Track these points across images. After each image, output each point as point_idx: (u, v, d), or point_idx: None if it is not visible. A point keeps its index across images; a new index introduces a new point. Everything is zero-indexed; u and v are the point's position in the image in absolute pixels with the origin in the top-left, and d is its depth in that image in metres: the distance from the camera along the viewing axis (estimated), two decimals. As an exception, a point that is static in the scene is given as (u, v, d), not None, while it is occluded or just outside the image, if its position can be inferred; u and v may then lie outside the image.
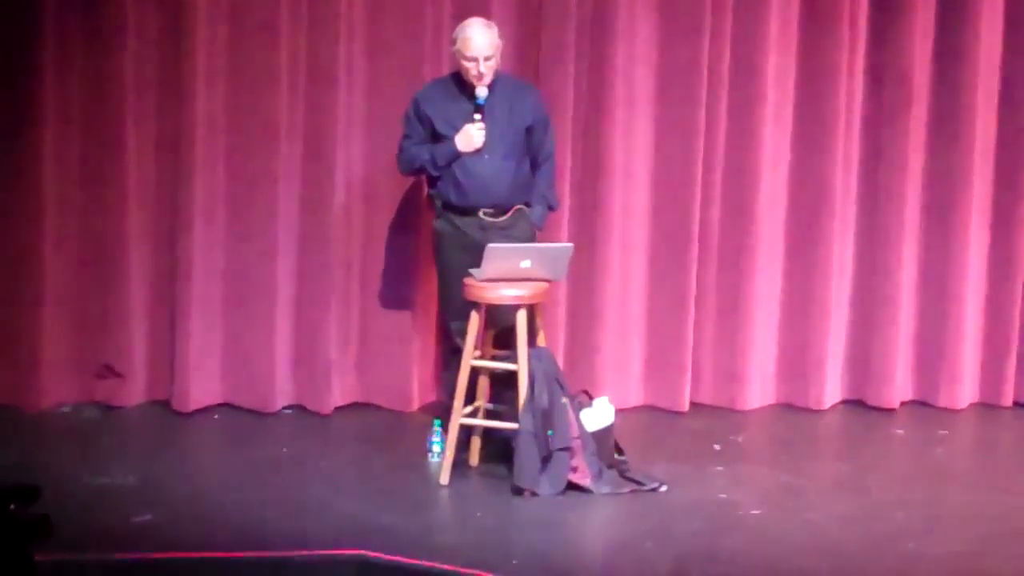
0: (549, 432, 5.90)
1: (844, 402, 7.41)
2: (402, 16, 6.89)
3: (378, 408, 7.09)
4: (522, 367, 5.97)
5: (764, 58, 7.09)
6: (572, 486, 5.96)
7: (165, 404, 6.96)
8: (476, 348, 6.14)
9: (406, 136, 6.38)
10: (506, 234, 6.26)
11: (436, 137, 6.31)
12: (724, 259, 7.22)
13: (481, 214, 6.30)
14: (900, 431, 7.08)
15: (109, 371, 6.92)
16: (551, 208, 6.49)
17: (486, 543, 5.44)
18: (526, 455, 5.91)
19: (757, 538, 5.55)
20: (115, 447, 6.43)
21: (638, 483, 6.02)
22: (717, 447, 6.68)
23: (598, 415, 6.11)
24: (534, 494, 5.91)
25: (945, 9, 7.18)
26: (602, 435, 6.09)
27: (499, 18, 6.76)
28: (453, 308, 6.33)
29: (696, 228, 7.12)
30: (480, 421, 6.24)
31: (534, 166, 6.41)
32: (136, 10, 6.75)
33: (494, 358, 6.21)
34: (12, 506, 4.04)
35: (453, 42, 6.30)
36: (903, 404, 7.37)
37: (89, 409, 6.91)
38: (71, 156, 6.81)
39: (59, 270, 6.83)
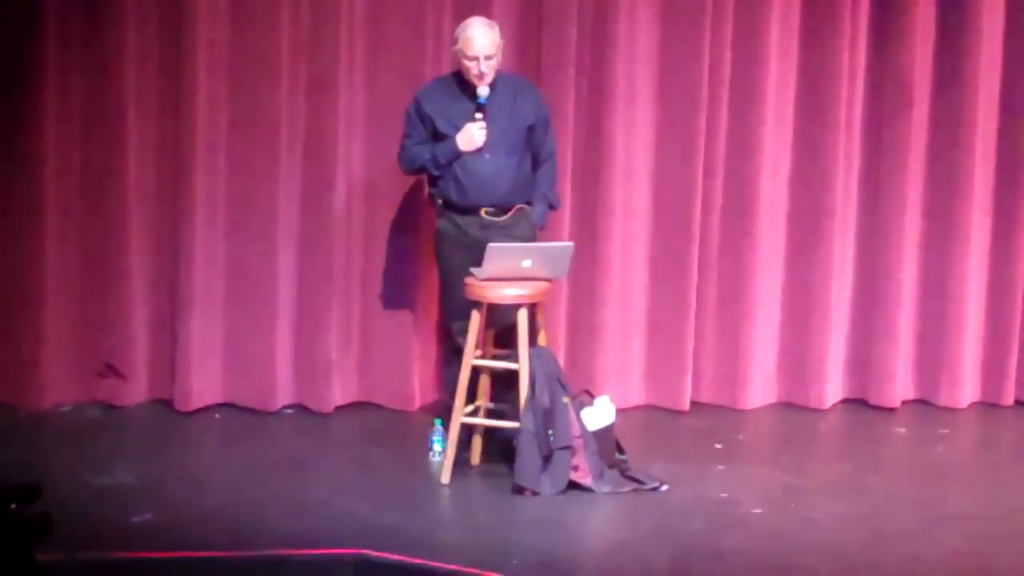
0: (550, 431, 5.90)
1: (845, 401, 7.41)
2: (403, 15, 6.89)
3: (379, 407, 7.09)
4: (523, 366, 5.97)
5: (765, 58, 7.09)
6: (573, 485, 5.96)
7: (166, 403, 6.96)
8: (477, 347, 6.14)
9: (407, 135, 6.38)
10: (507, 233, 6.26)
11: (437, 136, 6.31)
12: (725, 258, 7.22)
13: (482, 213, 6.30)
14: (901, 430, 7.08)
15: (110, 370, 6.92)
16: (552, 207, 6.49)
17: (486, 542, 5.43)
18: (527, 454, 5.90)
19: (758, 537, 5.55)
20: (115, 447, 6.43)
21: (639, 482, 6.02)
22: (718, 446, 6.68)
23: (599, 414, 6.11)
24: (535, 493, 5.91)
25: (945, 10, 7.18)
26: (603, 434, 6.08)
27: (500, 18, 6.76)
28: (454, 307, 6.33)
29: (697, 227, 7.12)
30: (481, 420, 6.24)
31: (535, 165, 6.41)
32: (136, 10, 6.75)
33: (495, 357, 6.21)
34: (13, 505, 4.05)
35: (454, 41, 6.30)
36: (904, 403, 7.37)
37: (90, 409, 6.91)
38: (71, 156, 6.81)
39: (59, 270, 6.83)
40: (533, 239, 6.36)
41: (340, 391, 7.05)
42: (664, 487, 6.01)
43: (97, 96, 6.77)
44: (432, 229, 6.49)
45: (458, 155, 6.27)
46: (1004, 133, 7.28)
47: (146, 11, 6.77)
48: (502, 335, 6.22)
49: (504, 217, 6.32)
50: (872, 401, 7.33)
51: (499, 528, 5.61)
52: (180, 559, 5.17)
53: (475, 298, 6.06)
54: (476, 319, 6.06)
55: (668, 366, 7.20)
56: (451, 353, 6.43)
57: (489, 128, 6.25)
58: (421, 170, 6.43)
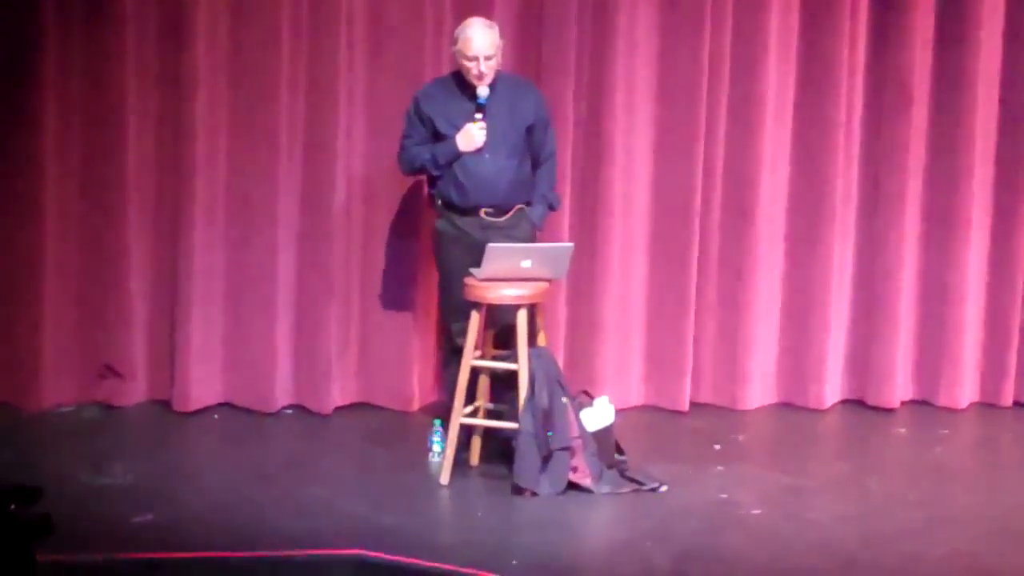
0: (549, 432, 5.90)
1: (844, 402, 7.41)
2: (403, 16, 6.89)
3: (378, 408, 7.09)
4: (522, 367, 5.97)
5: (764, 58, 7.09)
6: (572, 486, 5.96)
7: (165, 404, 6.96)
8: (476, 348, 6.15)
9: (407, 135, 6.38)
10: (507, 234, 6.26)
11: (437, 136, 6.31)
12: (724, 258, 7.22)
13: (482, 214, 6.30)
14: (901, 431, 7.08)
15: (109, 371, 6.92)
16: (552, 208, 6.49)
17: (486, 543, 5.44)
18: (526, 455, 5.91)
19: (757, 538, 5.55)
20: (115, 447, 6.43)
21: (638, 483, 6.02)
22: (717, 447, 6.68)
23: (598, 415, 6.11)
24: (534, 494, 5.91)
25: (945, 9, 7.18)
26: (602, 435, 6.09)
27: (500, 18, 6.76)
28: (453, 308, 6.33)
29: (697, 227, 7.12)
30: (480, 421, 6.24)
31: (535, 166, 6.41)
32: (136, 10, 6.75)
33: (494, 358, 6.21)
34: (13, 506, 4.05)
35: (454, 42, 6.30)
36: (904, 404, 7.37)
37: (89, 409, 6.91)
38: (71, 156, 6.81)
39: (59, 270, 6.83)
40: (532, 240, 6.37)
41: (339, 392, 7.05)
42: (663, 488, 6.01)
43: (97, 97, 6.76)
44: (432, 229, 6.49)
45: (458, 155, 6.27)
46: (1004, 133, 7.28)
47: (146, 12, 6.77)
48: (501, 335, 6.22)
49: (504, 218, 6.32)
50: (871, 401, 7.33)
51: (498, 529, 5.61)
52: (180, 559, 5.18)
53: (474, 299, 6.06)
54: (475, 319, 6.06)
55: (667, 366, 7.20)
56: (450, 354, 6.43)
57: (489, 128, 6.25)
58: (421, 170, 6.43)
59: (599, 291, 7.13)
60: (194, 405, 6.91)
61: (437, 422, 6.38)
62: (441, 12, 6.91)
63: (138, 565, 5.15)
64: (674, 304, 7.17)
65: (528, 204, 6.37)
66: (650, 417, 7.15)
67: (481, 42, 6.20)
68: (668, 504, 5.88)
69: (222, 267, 6.92)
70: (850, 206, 7.29)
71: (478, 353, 6.17)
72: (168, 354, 6.93)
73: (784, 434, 7.03)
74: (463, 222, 6.31)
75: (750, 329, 7.24)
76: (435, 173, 6.34)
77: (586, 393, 6.25)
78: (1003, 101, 7.26)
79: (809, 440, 6.97)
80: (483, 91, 6.24)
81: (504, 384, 6.20)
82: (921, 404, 7.41)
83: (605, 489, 5.97)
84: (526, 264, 6.04)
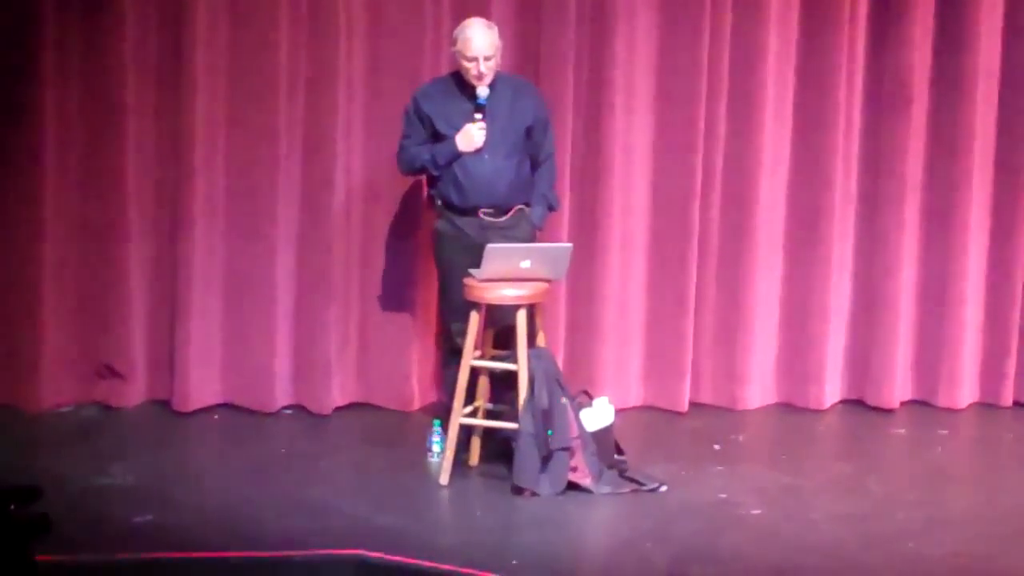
0: (549, 432, 5.90)
1: (844, 402, 7.41)
2: (402, 16, 6.89)
3: (378, 408, 7.09)
4: (522, 367, 5.97)
5: (764, 58, 7.09)
6: (572, 486, 5.96)
7: (165, 404, 6.96)
8: (476, 348, 6.15)
9: (406, 136, 6.38)
10: (506, 234, 6.26)
11: (436, 137, 6.30)
12: (724, 259, 7.22)
13: (481, 214, 6.30)
14: (900, 431, 7.08)
15: (109, 371, 6.92)
16: (551, 208, 6.48)
17: (486, 543, 5.44)
18: (526, 455, 5.91)
19: (757, 538, 5.55)
20: (115, 447, 6.43)
21: (638, 483, 6.02)
22: (717, 447, 6.68)
23: (598, 415, 6.11)
24: (534, 494, 5.91)
25: (945, 9, 7.18)
26: (602, 435, 6.09)
27: (499, 18, 6.76)
28: (453, 308, 6.33)
29: (696, 228, 7.12)
30: (480, 421, 6.24)
31: (534, 166, 6.41)
32: (135, 10, 6.75)
33: (494, 358, 6.21)
34: (12, 506, 4.05)
35: (453, 42, 6.30)
36: (903, 404, 7.37)
37: (89, 409, 6.91)
38: (71, 156, 6.81)
39: (59, 270, 6.83)
40: (532, 240, 6.37)
41: (339, 392, 7.05)
42: (663, 488, 6.01)
43: (96, 96, 6.77)
44: (431, 230, 6.49)
45: (457, 156, 6.26)
46: (1004, 133, 7.27)
47: (145, 11, 6.77)
48: (501, 336, 6.23)
49: (503, 218, 6.32)
50: (871, 402, 7.33)
51: (498, 529, 5.61)
52: (180, 559, 5.18)
53: (474, 299, 6.06)
54: (475, 320, 6.06)
55: (667, 367, 7.20)
56: (450, 354, 6.43)
57: (488, 129, 6.25)
58: (420, 171, 6.43)
59: (598, 291, 7.13)
60: (194, 405, 6.91)
61: (436, 422, 6.38)
62: (440, 12, 6.91)
63: (138, 565, 5.15)
64: (673, 304, 7.17)
65: (528, 204, 6.37)
66: (649, 417, 7.15)
67: (481, 42, 6.20)
68: (668, 504, 5.88)
69: (222, 267, 6.92)
70: (849, 206, 7.29)
71: (478, 353, 6.17)
72: (168, 354, 6.94)
73: (784, 434, 7.03)
74: (462, 222, 6.31)
75: (749, 329, 7.24)
76: (435, 173, 6.34)
77: (586, 393, 6.24)
78: (1003, 101, 7.26)
79: (809, 440, 6.97)
80: (483, 91, 6.24)
81: (504, 384, 6.21)
82: (921, 404, 7.40)
83: (605, 489, 5.97)
84: (525, 264, 6.04)
